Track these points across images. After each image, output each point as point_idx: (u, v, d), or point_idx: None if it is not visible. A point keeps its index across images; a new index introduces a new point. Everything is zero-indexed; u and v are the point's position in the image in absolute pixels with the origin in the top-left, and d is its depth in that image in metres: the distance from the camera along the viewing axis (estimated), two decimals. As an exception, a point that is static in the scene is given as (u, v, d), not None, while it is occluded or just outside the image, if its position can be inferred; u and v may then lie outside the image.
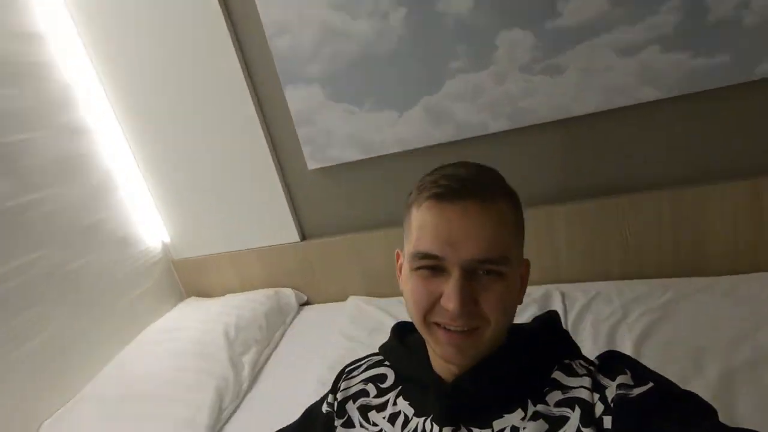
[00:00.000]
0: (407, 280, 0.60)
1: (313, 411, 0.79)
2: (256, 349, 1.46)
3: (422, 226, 0.58)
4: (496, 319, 0.56)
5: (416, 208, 0.60)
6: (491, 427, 0.56)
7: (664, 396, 0.49)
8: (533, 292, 1.37)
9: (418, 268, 0.58)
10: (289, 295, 1.71)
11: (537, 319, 0.67)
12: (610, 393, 0.52)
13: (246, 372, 1.37)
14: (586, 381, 0.55)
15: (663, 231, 1.28)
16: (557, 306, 1.30)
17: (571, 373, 0.58)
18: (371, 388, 0.70)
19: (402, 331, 0.74)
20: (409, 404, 0.65)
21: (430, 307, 0.57)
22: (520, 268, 0.61)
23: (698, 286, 1.22)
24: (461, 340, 0.56)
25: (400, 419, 0.64)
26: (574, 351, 0.63)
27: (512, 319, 0.61)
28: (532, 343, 0.62)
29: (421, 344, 0.67)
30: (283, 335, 1.58)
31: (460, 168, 0.61)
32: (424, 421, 0.61)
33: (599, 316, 1.21)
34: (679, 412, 0.47)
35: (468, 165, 0.61)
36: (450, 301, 0.54)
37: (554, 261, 1.40)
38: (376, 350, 0.75)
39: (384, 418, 0.65)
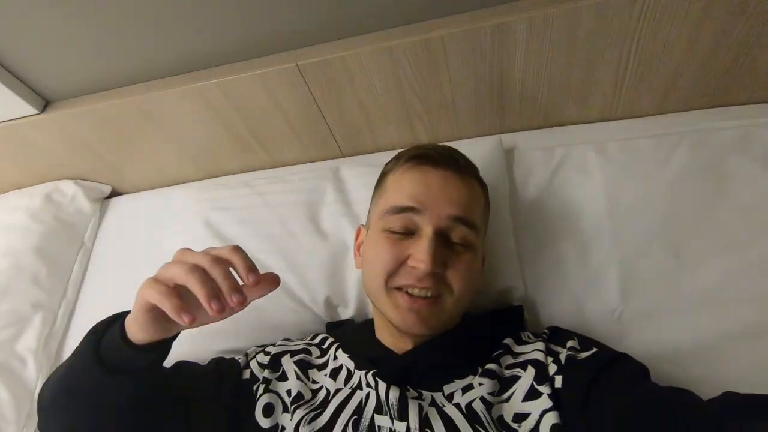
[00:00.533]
0: (371, 245, 0.61)
1: (222, 359, 0.68)
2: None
3: (399, 185, 0.62)
4: (460, 289, 0.58)
5: (392, 174, 0.64)
6: (442, 390, 0.56)
7: (605, 359, 0.53)
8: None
9: (388, 230, 0.59)
10: (70, 190, 1.07)
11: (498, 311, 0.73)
12: (563, 357, 0.55)
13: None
14: (540, 345, 0.58)
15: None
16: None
17: (522, 341, 0.61)
18: (314, 350, 0.67)
19: (345, 323, 0.77)
20: (348, 357, 0.61)
21: (395, 269, 0.57)
22: (481, 254, 0.64)
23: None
24: (424, 306, 0.56)
25: (343, 373, 0.60)
26: (525, 327, 0.69)
27: (471, 298, 0.61)
28: (485, 319, 0.69)
29: (367, 325, 0.69)
30: (95, 237, 1.10)
31: (441, 146, 0.67)
32: (366, 374, 0.57)
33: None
34: (619, 372, 0.51)
35: (448, 146, 0.67)
36: (421, 260, 0.55)
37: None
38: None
39: (326, 375, 0.61)
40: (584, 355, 0.54)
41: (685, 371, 0.63)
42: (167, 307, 0.42)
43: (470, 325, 0.64)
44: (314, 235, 0.86)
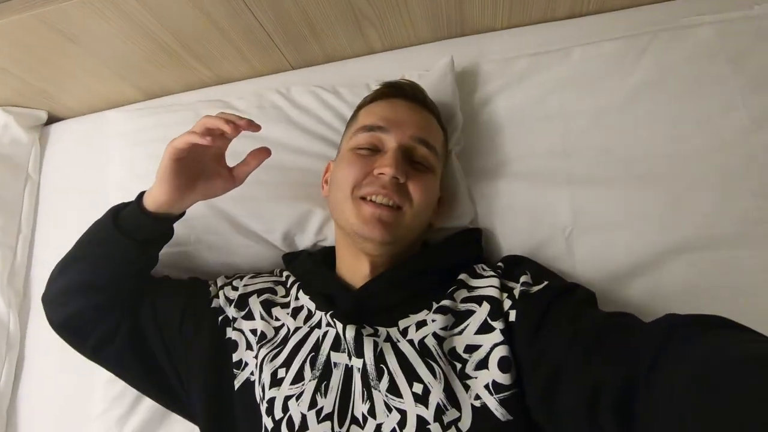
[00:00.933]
0: (340, 165, 0.65)
1: (198, 281, 0.73)
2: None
3: (370, 112, 0.67)
4: (419, 202, 0.61)
5: (364, 108, 0.70)
6: (397, 325, 0.58)
7: (555, 290, 0.55)
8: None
9: (356, 148, 0.64)
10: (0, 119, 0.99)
11: (454, 236, 0.73)
12: (516, 292, 0.57)
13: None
14: (495, 281, 0.59)
15: None
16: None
17: (476, 275, 0.62)
18: (279, 289, 0.69)
19: (300, 254, 0.75)
20: (309, 298, 0.63)
21: (361, 178, 0.61)
22: (438, 189, 0.68)
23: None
24: (386, 212, 0.59)
25: (303, 312, 0.63)
26: (481, 259, 0.68)
27: (426, 221, 0.66)
28: (441, 251, 0.68)
29: (327, 258, 0.71)
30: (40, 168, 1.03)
31: (412, 82, 0.72)
32: (325, 314, 0.59)
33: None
34: (568, 303, 0.54)
35: (417, 84, 0.72)
36: (386, 165, 0.59)
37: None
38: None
39: (288, 313, 0.64)
40: (536, 288, 0.56)
41: (628, 286, 0.66)
42: (194, 137, 0.56)
43: (428, 254, 0.65)
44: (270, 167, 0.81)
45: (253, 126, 0.57)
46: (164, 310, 0.66)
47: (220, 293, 0.67)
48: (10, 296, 0.92)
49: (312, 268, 0.68)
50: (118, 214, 0.64)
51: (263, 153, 0.64)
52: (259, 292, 0.67)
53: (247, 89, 0.95)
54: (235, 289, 0.68)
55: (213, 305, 0.66)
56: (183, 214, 0.67)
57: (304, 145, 0.83)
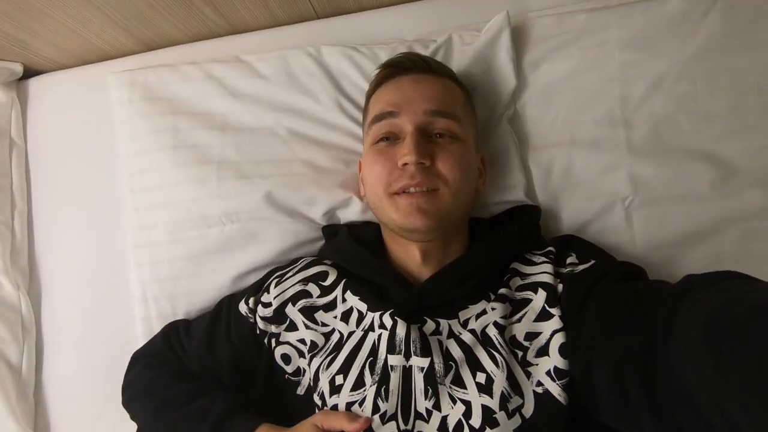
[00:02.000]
0: (367, 165, 0.63)
1: (232, 306, 0.69)
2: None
3: (377, 99, 0.65)
4: (454, 178, 0.59)
5: (372, 95, 0.67)
6: (457, 317, 0.57)
7: (600, 270, 0.54)
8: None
9: (375, 142, 0.62)
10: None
11: (509, 213, 0.71)
12: (565, 275, 0.57)
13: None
14: (548, 267, 0.58)
15: None
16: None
17: (529, 262, 0.61)
18: (313, 288, 0.64)
19: (338, 231, 0.71)
20: (359, 299, 0.61)
21: (391, 173, 0.59)
22: (476, 153, 0.66)
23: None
24: (422, 198, 0.57)
25: (354, 316, 0.61)
26: (536, 244, 0.64)
27: (471, 192, 0.63)
28: (503, 241, 0.63)
29: (377, 243, 0.68)
30: (24, 131, 0.91)
31: (410, 53, 0.69)
32: (381, 316, 0.58)
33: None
34: (612, 279, 0.52)
35: (417, 53, 0.69)
36: (406, 153, 0.57)
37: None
38: (303, 258, 0.71)
39: (335, 317, 0.61)
40: (581, 267, 0.56)
41: (685, 256, 0.68)
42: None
43: (491, 245, 0.63)
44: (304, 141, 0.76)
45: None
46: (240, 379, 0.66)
47: (256, 317, 0.65)
48: (17, 278, 0.84)
49: (358, 254, 0.64)
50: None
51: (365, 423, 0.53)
52: (293, 300, 0.64)
53: (264, 42, 0.84)
54: (267, 305, 0.64)
55: (258, 330, 0.64)
56: None
57: (339, 121, 0.78)
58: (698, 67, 0.70)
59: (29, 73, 0.91)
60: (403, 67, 0.65)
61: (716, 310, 0.35)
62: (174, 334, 0.72)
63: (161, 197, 0.77)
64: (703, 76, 0.70)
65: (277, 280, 0.66)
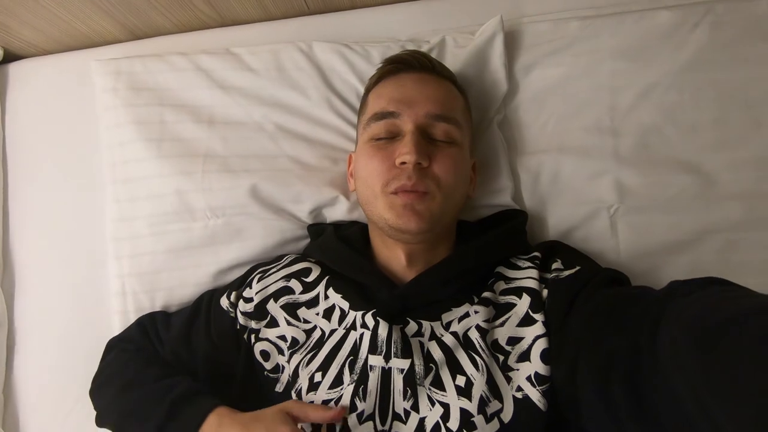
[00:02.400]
0: (362, 159, 0.62)
1: (213, 301, 0.68)
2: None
3: (378, 94, 0.63)
4: (447, 183, 0.59)
5: (372, 90, 0.66)
6: (440, 319, 0.57)
7: (586, 276, 0.54)
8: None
9: (373, 139, 0.61)
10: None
11: (496, 217, 0.71)
12: (550, 280, 0.57)
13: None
14: (533, 273, 0.58)
15: None
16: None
17: (514, 267, 0.61)
18: (295, 285, 0.64)
19: (324, 230, 0.71)
20: (341, 297, 0.61)
21: (389, 170, 0.58)
22: (470, 158, 0.65)
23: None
24: (417, 199, 0.57)
25: (336, 313, 0.60)
26: (521, 249, 0.64)
27: (462, 197, 0.63)
28: (489, 245, 0.63)
29: (362, 243, 0.67)
30: (2, 120, 0.88)
31: (414, 50, 0.68)
32: (363, 315, 0.57)
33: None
34: (596, 285, 0.52)
35: (421, 51, 0.69)
36: (405, 152, 0.57)
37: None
38: (287, 255, 0.71)
39: (318, 314, 0.61)
40: (567, 273, 0.56)
41: (668, 264, 0.69)
42: None
43: (478, 249, 0.62)
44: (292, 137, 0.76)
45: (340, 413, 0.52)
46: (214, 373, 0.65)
47: (237, 312, 0.64)
48: (-10, 271, 0.81)
49: (343, 253, 0.64)
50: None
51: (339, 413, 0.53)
52: (275, 296, 0.63)
53: (255, 36, 0.83)
54: (248, 300, 0.63)
55: (237, 327, 0.64)
56: None
57: (328, 118, 0.77)
58: (687, 79, 0.71)
59: (9, 57, 0.89)
60: (407, 64, 0.64)
61: (702, 315, 0.36)
62: (150, 324, 0.71)
63: (144, 189, 0.76)
64: (692, 87, 0.71)
65: (260, 275, 0.65)
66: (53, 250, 0.83)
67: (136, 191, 0.76)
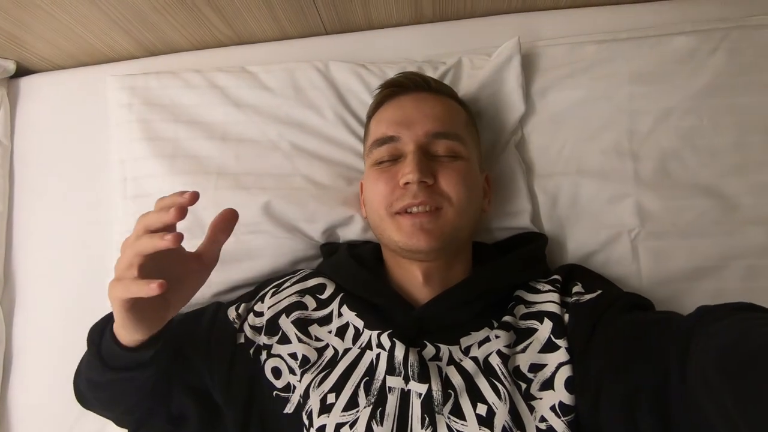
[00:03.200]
0: (368, 185, 0.63)
1: (219, 310, 0.64)
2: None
3: (378, 121, 0.64)
4: (458, 197, 0.57)
5: (373, 117, 0.66)
6: (458, 343, 0.55)
7: (608, 300, 0.53)
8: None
9: (376, 163, 0.61)
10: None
11: (515, 239, 0.70)
12: (571, 304, 0.55)
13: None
14: (554, 296, 0.56)
15: None
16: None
17: (534, 290, 0.59)
18: (309, 301, 0.62)
19: (337, 248, 0.69)
20: (356, 315, 0.59)
21: (393, 191, 0.58)
22: (480, 172, 0.65)
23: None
24: (425, 219, 0.56)
25: (350, 332, 0.58)
26: (541, 272, 0.62)
27: (476, 211, 0.62)
28: (509, 268, 0.61)
29: (376, 262, 0.66)
30: (11, 131, 0.87)
31: (410, 72, 0.68)
32: (379, 335, 0.55)
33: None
34: (619, 309, 0.51)
35: (417, 72, 0.69)
36: (408, 171, 0.56)
37: None
38: (301, 270, 0.69)
39: (330, 332, 0.59)
40: (588, 297, 0.55)
41: (690, 291, 0.67)
42: (136, 290, 0.41)
43: (497, 271, 0.61)
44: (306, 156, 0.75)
45: (194, 197, 0.43)
46: (193, 379, 0.59)
47: (245, 326, 0.61)
48: (-4, 279, 0.79)
49: (356, 273, 0.62)
50: (100, 353, 0.51)
51: (230, 219, 0.49)
52: (287, 311, 0.60)
53: (270, 55, 0.83)
54: (259, 315, 0.61)
55: (239, 341, 0.60)
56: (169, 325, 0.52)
57: (344, 138, 0.76)
58: (705, 104, 0.71)
59: (21, 71, 0.88)
60: (402, 86, 0.64)
61: (733, 344, 0.34)
62: None
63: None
64: (710, 112, 0.71)
65: (273, 290, 0.63)
66: (56, 267, 0.81)
67: (148, 206, 0.74)
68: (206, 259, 0.50)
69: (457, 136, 0.60)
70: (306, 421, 0.53)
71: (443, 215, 0.57)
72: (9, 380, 0.78)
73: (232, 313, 0.63)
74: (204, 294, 0.71)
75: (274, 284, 0.65)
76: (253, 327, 0.61)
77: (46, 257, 0.82)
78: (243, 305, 0.63)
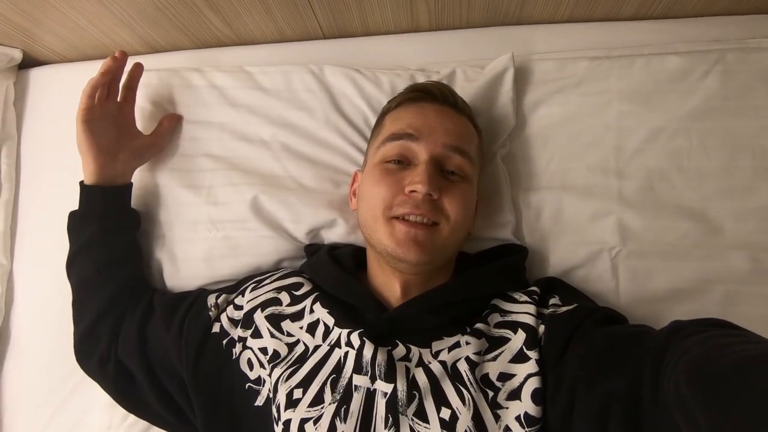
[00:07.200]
0: (369, 180, 0.61)
1: (201, 295, 0.68)
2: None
3: (396, 118, 0.63)
4: (456, 218, 0.58)
5: (390, 113, 0.66)
6: (430, 347, 0.56)
7: (583, 314, 0.54)
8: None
9: (384, 161, 0.60)
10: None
11: (496, 250, 0.71)
12: (547, 316, 0.56)
13: None
14: (531, 308, 0.57)
15: None
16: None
17: (511, 300, 0.60)
18: (284, 297, 0.63)
19: (317, 250, 0.70)
20: (327, 312, 0.59)
21: (395, 196, 0.58)
22: (475, 196, 0.64)
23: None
24: (421, 230, 0.56)
25: (320, 329, 0.59)
26: (519, 284, 0.64)
27: (465, 233, 0.63)
28: (485, 278, 0.62)
29: (354, 264, 0.66)
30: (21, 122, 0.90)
31: (438, 82, 0.68)
32: (349, 334, 0.56)
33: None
34: (593, 323, 0.52)
35: (446, 84, 0.69)
36: (418, 182, 0.56)
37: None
38: (283, 268, 0.73)
39: (301, 328, 0.60)
40: (564, 309, 0.55)
41: (669, 312, 0.67)
42: (86, 90, 0.69)
43: (472, 280, 0.62)
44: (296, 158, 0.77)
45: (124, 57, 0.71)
46: (157, 347, 0.66)
47: (222, 317, 0.63)
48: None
49: (333, 272, 0.63)
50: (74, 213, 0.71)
51: (175, 117, 0.77)
52: (263, 306, 0.62)
53: (268, 56, 0.85)
54: (239, 308, 0.63)
55: (213, 330, 0.62)
56: (130, 187, 0.73)
57: (334, 141, 0.77)
58: (694, 126, 0.71)
59: (30, 62, 0.91)
60: (430, 94, 0.64)
61: (707, 358, 0.35)
62: None
63: (153, 198, 0.77)
64: (699, 134, 0.71)
65: (254, 285, 0.65)
66: (59, 252, 0.83)
67: (148, 200, 0.77)
68: (156, 134, 0.75)
69: (470, 156, 0.61)
70: (275, 414, 0.55)
71: (438, 231, 0.58)
72: (5, 356, 0.81)
73: (211, 299, 0.65)
74: (191, 287, 0.74)
75: (255, 280, 0.67)
76: (231, 319, 0.63)
77: (50, 244, 0.84)
78: (223, 296, 0.66)
